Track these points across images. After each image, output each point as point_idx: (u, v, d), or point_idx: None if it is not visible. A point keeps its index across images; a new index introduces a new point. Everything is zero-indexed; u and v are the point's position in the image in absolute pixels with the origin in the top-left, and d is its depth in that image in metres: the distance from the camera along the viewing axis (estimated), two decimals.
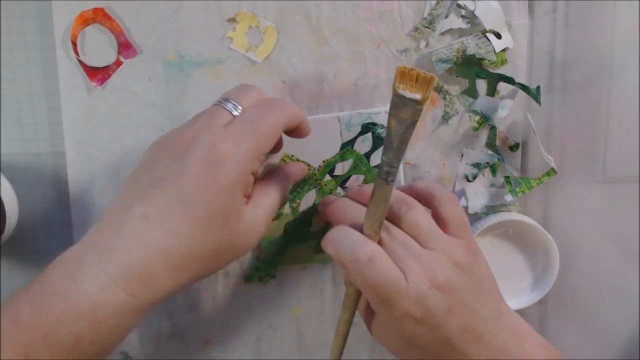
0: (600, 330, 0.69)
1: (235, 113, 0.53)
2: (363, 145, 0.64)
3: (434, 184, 0.57)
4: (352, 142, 0.64)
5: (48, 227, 0.67)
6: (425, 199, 0.56)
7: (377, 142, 0.64)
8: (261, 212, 0.53)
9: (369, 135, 0.64)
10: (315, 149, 0.64)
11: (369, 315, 0.55)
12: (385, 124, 0.62)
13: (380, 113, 0.63)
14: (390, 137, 0.50)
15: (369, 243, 0.51)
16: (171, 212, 0.49)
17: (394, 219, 0.54)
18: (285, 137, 0.58)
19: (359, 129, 0.64)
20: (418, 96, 0.49)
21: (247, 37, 0.63)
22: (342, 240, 0.52)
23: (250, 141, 0.50)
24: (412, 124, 0.49)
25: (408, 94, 0.49)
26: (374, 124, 0.64)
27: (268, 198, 0.54)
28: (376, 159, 0.64)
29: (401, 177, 0.65)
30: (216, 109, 0.54)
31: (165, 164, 0.50)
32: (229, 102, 0.54)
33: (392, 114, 0.50)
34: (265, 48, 0.63)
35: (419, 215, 0.54)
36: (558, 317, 0.69)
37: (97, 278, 0.48)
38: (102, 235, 0.50)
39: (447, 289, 0.51)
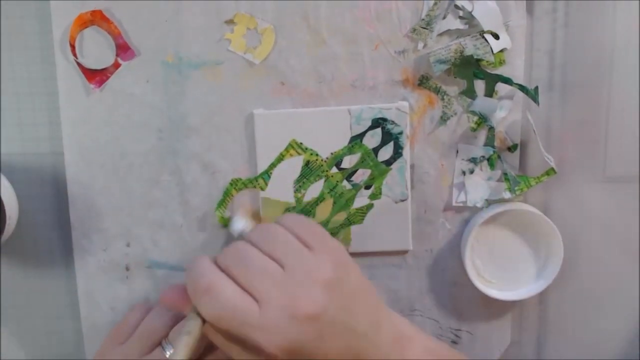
0: (600, 330, 0.69)
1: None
2: (372, 140, 0.64)
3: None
4: (361, 136, 0.64)
5: (48, 227, 0.68)
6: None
7: (387, 137, 0.64)
8: None
9: (379, 130, 0.64)
10: (324, 140, 0.64)
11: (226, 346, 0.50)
12: (396, 120, 0.63)
13: (391, 109, 0.63)
14: None
15: (212, 272, 0.48)
16: None
17: (254, 244, 0.51)
18: (293, 124, 0.61)
19: (369, 124, 0.64)
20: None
21: (245, 38, 0.63)
22: (190, 269, 0.49)
23: None
24: None
25: None
26: (384, 119, 0.63)
27: None
28: (384, 154, 0.64)
29: (408, 185, 0.65)
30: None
31: None
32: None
33: None
34: (264, 49, 0.63)
35: (277, 235, 0.50)
36: (558, 316, 0.69)
37: None
38: None
39: (314, 313, 0.46)
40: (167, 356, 0.58)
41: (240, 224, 0.60)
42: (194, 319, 0.49)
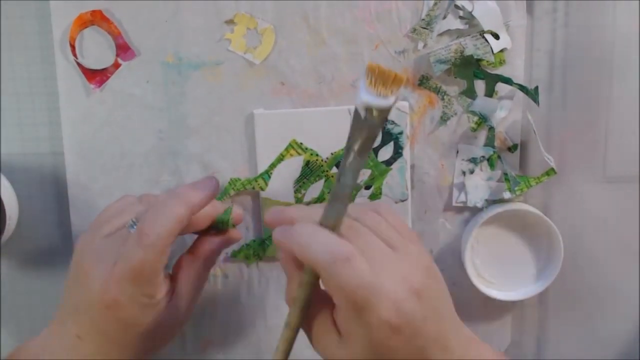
0: (600, 330, 0.69)
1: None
2: None
3: (369, 203, 0.56)
4: None
5: (48, 227, 0.68)
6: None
7: (387, 137, 0.64)
8: (183, 303, 0.58)
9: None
10: (324, 140, 0.64)
11: (323, 332, 0.51)
12: (395, 120, 0.63)
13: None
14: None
15: (345, 242, 0.48)
16: (99, 332, 0.54)
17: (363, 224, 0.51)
18: (293, 124, 0.61)
19: None
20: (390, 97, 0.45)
21: (245, 38, 0.63)
22: (312, 238, 0.48)
23: (128, 287, 0.54)
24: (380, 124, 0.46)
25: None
26: None
27: (188, 286, 0.59)
28: (384, 154, 0.64)
29: (408, 182, 0.65)
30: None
31: (93, 278, 0.54)
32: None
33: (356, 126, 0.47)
34: (264, 50, 0.63)
35: (383, 218, 0.52)
36: (558, 316, 0.69)
37: None
38: (45, 348, 0.56)
39: (422, 294, 0.48)
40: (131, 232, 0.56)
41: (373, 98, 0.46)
42: (304, 290, 0.50)
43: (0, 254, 0.67)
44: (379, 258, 0.48)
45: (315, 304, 0.52)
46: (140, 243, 0.53)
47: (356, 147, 0.47)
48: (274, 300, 0.69)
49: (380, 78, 0.45)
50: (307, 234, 0.48)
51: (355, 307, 0.47)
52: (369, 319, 0.47)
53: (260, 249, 0.67)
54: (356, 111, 0.46)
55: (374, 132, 0.46)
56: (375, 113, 0.45)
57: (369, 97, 0.45)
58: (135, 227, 0.55)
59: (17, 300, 0.69)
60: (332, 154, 0.64)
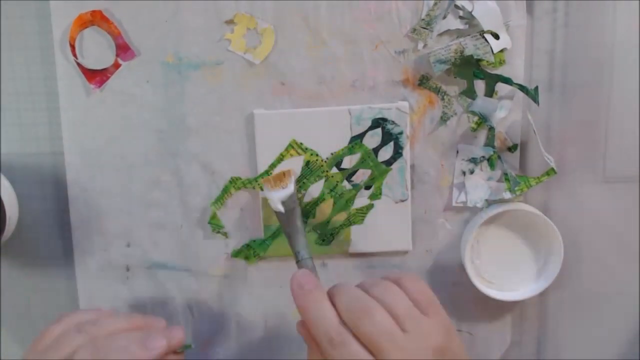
0: (600, 330, 0.69)
1: None
2: (372, 140, 0.64)
3: (396, 271, 0.57)
4: (361, 136, 0.64)
5: (48, 227, 0.68)
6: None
7: (387, 137, 0.64)
8: None
9: (379, 130, 0.64)
10: (324, 140, 0.64)
11: None
12: (396, 120, 0.63)
13: (391, 109, 0.63)
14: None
15: (343, 330, 0.50)
16: None
17: (376, 299, 0.52)
18: (293, 124, 0.61)
19: (369, 124, 0.64)
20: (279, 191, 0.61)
21: (245, 38, 0.63)
22: (318, 312, 0.51)
23: None
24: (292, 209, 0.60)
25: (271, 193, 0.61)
26: (384, 120, 0.63)
27: None
28: (384, 154, 0.64)
29: (408, 183, 0.65)
30: None
31: None
32: None
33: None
34: (264, 49, 0.63)
35: (399, 298, 0.52)
36: (558, 316, 0.69)
37: None
38: None
39: (443, 351, 0.49)
40: None
41: (279, 194, 0.61)
42: None
43: (0, 254, 0.67)
44: (403, 314, 0.50)
45: None
46: None
47: (290, 222, 0.61)
48: (274, 301, 0.69)
49: (275, 180, 0.62)
50: (312, 310, 0.51)
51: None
52: None
53: (260, 248, 0.67)
54: (276, 210, 0.61)
55: (292, 206, 0.61)
56: (285, 200, 0.60)
57: (274, 194, 0.61)
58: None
59: (17, 300, 0.69)
60: (332, 154, 0.64)
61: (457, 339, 0.53)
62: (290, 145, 0.64)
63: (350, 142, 0.64)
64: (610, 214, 0.67)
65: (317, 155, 0.64)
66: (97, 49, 0.63)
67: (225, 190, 0.66)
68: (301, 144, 0.64)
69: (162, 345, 0.54)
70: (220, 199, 0.66)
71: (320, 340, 0.50)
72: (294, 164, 0.64)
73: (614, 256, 0.68)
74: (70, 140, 0.65)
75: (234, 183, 0.65)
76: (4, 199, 0.63)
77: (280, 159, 0.64)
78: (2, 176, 0.65)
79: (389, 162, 0.64)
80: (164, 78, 0.64)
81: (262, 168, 0.65)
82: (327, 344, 0.49)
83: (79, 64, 0.63)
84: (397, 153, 0.64)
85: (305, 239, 0.59)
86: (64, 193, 0.67)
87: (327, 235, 0.66)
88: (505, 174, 0.64)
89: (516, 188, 0.64)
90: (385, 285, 0.53)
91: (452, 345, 0.52)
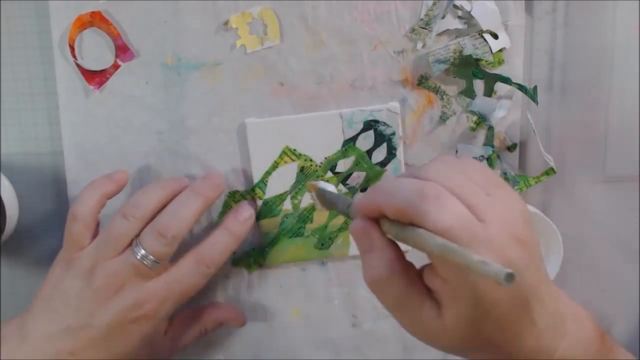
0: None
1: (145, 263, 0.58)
2: (365, 142, 0.64)
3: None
4: (354, 139, 0.64)
5: (48, 227, 0.68)
6: None
7: (379, 139, 0.64)
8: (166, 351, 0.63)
9: (371, 132, 0.64)
10: (317, 146, 0.64)
11: (417, 310, 0.45)
12: (387, 121, 0.64)
13: (382, 111, 0.63)
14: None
15: (432, 183, 0.43)
16: (96, 351, 0.56)
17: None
18: (285, 131, 0.62)
19: (361, 126, 0.64)
20: None
21: (252, 34, 0.63)
22: (397, 185, 0.45)
23: (169, 304, 0.58)
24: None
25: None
26: (376, 121, 0.64)
27: (179, 338, 0.64)
28: (378, 156, 0.65)
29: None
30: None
31: (89, 302, 0.56)
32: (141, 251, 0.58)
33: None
34: (273, 29, 0.62)
35: (478, 164, 0.48)
36: None
37: None
38: None
39: (524, 241, 0.43)
40: (138, 258, 0.57)
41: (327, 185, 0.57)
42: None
43: (0, 254, 0.68)
44: (474, 201, 0.43)
45: (403, 286, 0.46)
46: (198, 269, 0.59)
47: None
48: (274, 301, 0.69)
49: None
50: (389, 185, 0.45)
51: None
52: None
53: (260, 257, 0.67)
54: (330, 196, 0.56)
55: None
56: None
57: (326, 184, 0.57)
58: (141, 250, 0.57)
59: (17, 300, 0.69)
60: (326, 158, 0.64)
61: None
62: (284, 152, 0.64)
63: (343, 146, 0.64)
64: (610, 214, 0.67)
65: (311, 160, 0.64)
66: (96, 50, 0.63)
67: (226, 205, 0.66)
68: (294, 150, 0.64)
69: (251, 212, 0.62)
70: (222, 215, 0.66)
71: (422, 200, 0.42)
72: (289, 171, 0.65)
73: (614, 256, 0.68)
74: (69, 141, 0.65)
75: (233, 196, 0.66)
76: (4, 199, 0.63)
77: (275, 166, 0.64)
78: (2, 176, 0.65)
79: (383, 163, 0.64)
80: (163, 79, 0.64)
81: (256, 176, 0.65)
82: (433, 201, 0.42)
83: (78, 65, 0.63)
84: (391, 154, 0.64)
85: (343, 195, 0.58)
86: (63, 193, 0.67)
87: (326, 239, 0.66)
88: (505, 174, 0.64)
89: (516, 188, 0.64)
90: (458, 161, 0.48)
91: (530, 215, 0.47)
